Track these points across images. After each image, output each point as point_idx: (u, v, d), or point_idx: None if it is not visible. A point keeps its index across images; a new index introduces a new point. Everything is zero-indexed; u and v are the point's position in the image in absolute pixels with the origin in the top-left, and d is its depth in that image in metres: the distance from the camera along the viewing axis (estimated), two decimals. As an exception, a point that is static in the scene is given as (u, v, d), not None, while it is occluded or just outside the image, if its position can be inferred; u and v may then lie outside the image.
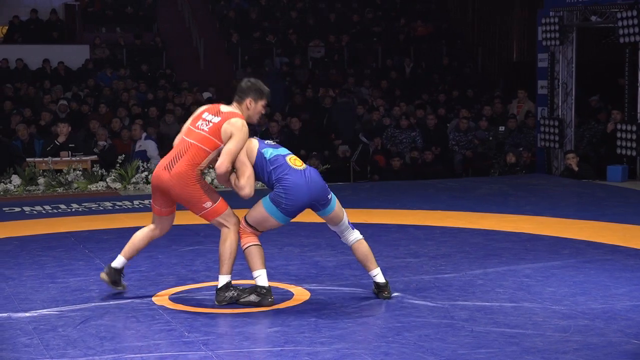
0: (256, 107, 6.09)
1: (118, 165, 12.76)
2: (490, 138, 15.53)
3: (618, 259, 7.50)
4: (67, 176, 12.49)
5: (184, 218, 7.39)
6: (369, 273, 6.26)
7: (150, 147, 13.96)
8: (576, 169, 13.19)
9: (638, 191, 11.94)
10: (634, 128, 12.98)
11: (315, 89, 18.62)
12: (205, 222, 6.22)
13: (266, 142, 6.15)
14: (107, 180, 12.59)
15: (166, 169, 6.02)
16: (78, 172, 12.55)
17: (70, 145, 13.04)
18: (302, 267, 7.32)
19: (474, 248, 8.01)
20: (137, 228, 6.46)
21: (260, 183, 6.20)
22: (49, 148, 13.06)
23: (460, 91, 19.22)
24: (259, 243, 6.04)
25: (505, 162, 14.38)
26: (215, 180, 6.15)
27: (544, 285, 6.62)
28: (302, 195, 5.93)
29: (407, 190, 12.16)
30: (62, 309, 6.05)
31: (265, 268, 6.04)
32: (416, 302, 6.13)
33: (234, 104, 6.11)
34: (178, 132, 6.34)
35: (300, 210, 6.02)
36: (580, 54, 14.73)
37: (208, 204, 6.01)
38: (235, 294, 6.04)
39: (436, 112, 17.12)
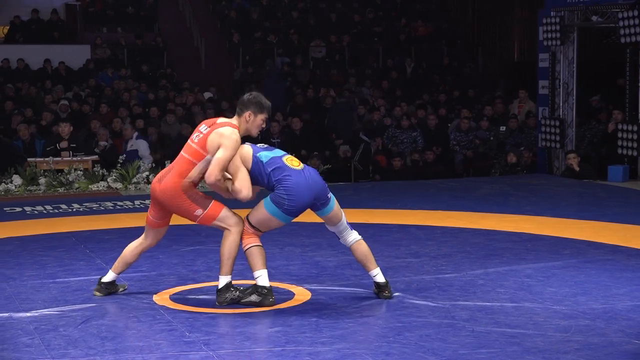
0: (255, 120, 6.09)
1: (119, 165, 12.76)
2: (491, 138, 15.53)
3: (619, 259, 7.50)
4: (68, 176, 12.49)
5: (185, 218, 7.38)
6: (369, 273, 6.26)
7: (142, 146, 13.86)
8: (577, 169, 13.19)
9: (639, 191, 11.94)
10: (635, 128, 12.98)
11: (317, 89, 18.62)
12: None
13: (259, 145, 6.15)
14: (108, 180, 12.60)
15: (159, 182, 6.09)
16: (79, 172, 12.56)
17: (71, 145, 13.05)
18: (303, 267, 7.32)
19: (475, 248, 8.02)
20: (138, 228, 6.47)
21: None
22: (49, 148, 13.05)
23: (461, 91, 19.22)
24: (260, 244, 6.04)
25: (506, 162, 14.39)
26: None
27: (545, 285, 6.62)
28: (304, 194, 5.94)
29: (408, 190, 12.16)
30: (63, 308, 6.06)
31: (266, 268, 6.04)
32: (417, 302, 6.13)
33: (235, 116, 6.13)
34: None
35: (302, 209, 6.02)
36: (581, 54, 14.73)
37: (199, 211, 6.02)
38: (236, 295, 6.05)
39: (437, 112, 17.11)
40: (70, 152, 12.92)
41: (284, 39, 21.22)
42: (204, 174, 6.02)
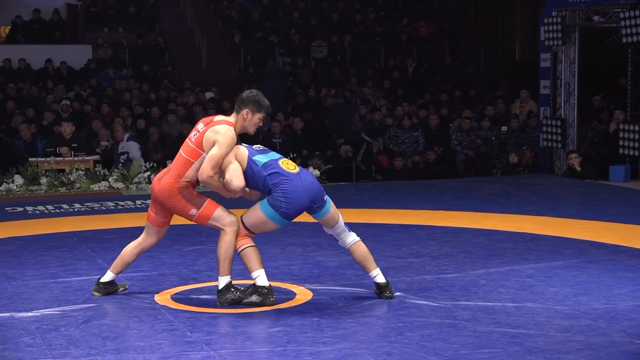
0: (253, 118, 6.06)
1: (120, 165, 12.76)
2: (493, 138, 15.53)
3: (620, 259, 7.50)
4: (69, 176, 12.49)
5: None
6: (369, 274, 6.25)
7: (133, 148, 13.73)
8: (579, 169, 13.18)
9: (640, 191, 11.95)
10: (637, 128, 12.97)
11: (318, 89, 18.62)
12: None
13: (254, 147, 6.12)
14: (110, 180, 12.61)
15: (158, 181, 6.10)
16: (80, 172, 12.56)
17: (73, 145, 13.05)
18: (305, 267, 7.32)
19: (476, 248, 8.01)
20: (140, 228, 6.47)
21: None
22: (49, 150, 13.03)
23: (462, 91, 19.21)
24: (253, 244, 6.03)
25: (507, 162, 14.38)
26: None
27: (547, 285, 6.61)
28: (301, 198, 5.92)
29: (410, 190, 12.16)
30: (65, 308, 6.06)
31: (263, 267, 6.03)
32: (418, 302, 6.13)
33: (233, 113, 6.12)
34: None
35: (299, 212, 6.01)
36: (583, 54, 14.72)
37: (193, 211, 6.02)
38: (237, 295, 6.04)
39: (439, 112, 17.11)
40: (72, 152, 12.92)
41: (285, 39, 21.21)
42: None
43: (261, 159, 5.99)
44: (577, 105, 14.31)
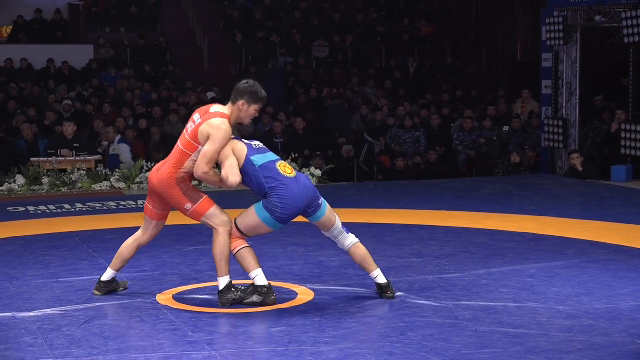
0: (249, 110, 6.02)
1: (122, 164, 12.77)
2: (495, 138, 15.52)
3: (622, 259, 7.49)
4: (71, 176, 12.50)
5: (187, 218, 7.38)
6: (370, 275, 6.24)
7: (124, 150, 13.67)
8: (580, 169, 13.18)
9: (642, 191, 11.94)
10: (639, 128, 12.96)
11: (320, 89, 18.62)
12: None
13: (254, 144, 6.07)
14: (111, 180, 12.61)
15: (156, 172, 6.09)
16: (82, 171, 12.57)
17: (74, 145, 13.05)
18: (306, 267, 7.32)
19: (478, 248, 8.01)
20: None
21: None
22: (50, 151, 13.02)
23: (464, 91, 19.21)
24: (247, 245, 6.02)
25: (509, 162, 14.38)
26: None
27: (548, 285, 6.61)
28: (297, 202, 5.91)
29: (411, 190, 12.16)
30: (67, 308, 6.06)
31: (261, 267, 6.03)
32: (420, 302, 6.13)
33: (229, 103, 6.08)
34: (182, 132, 6.33)
35: (294, 217, 6.00)
36: (585, 54, 14.71)
37: (188, 205, 6.01)
38: (238, 295, 6.04)
39: (440, 112, 17.10)
40: (74, 152, 12.92)
41: (287, 39, 21.22)
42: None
43: (259, 159, 5.96)
44: (579, 105, 14.31)
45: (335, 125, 16.60)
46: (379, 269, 6.22)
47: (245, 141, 6.06)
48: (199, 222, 6.13)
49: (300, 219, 6.16)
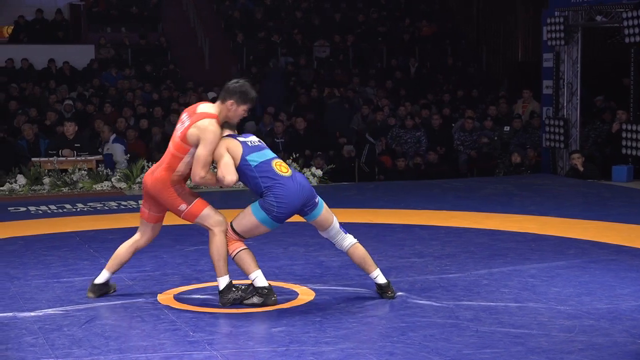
0: (237, 110, 5.99)
1: (116, 164, 12.77)
2: (495, 138, 15.53)
3: (623, 259, 7.49)
4: (72, 176, 12.50)
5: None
6: (370, 275, 6.23)
7: (118, 150, 13.61)
8: (581, 169, 13.17)
9: (643, 191, 11.94)
10: (639, 128, 12.96)
11: (321, 89, 18.62)
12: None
13: (249, 141, 6.03)
14: (112, 179, 12.61)
15: (151, 174, 6.09)
16: (83, 171, 12.57)
17: (75, 145, 13.05)
18: (307, 266, 7.32)
19: (479, 248, 8.01)
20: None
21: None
22: (51, 152, 13.01)
23: (465, 91, 19.21)
24: (245, 247, 6.01)
25: (510, 162, 14.38)
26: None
27: (549, 285, 6.61)
28: (293, 201, 5.90)
29: (412, 190, 12.16)
30: (68, 308, 6.06)
31: (259, 268, 6.02)
32: (421, 302, 6.13)
33: (218, 102, 6.06)
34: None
35: (290, 215, 5.99)
36: (586, 54, 14.71)
37: (182, 206, 6.01)
38: (239, 295, 6.03)
39: (441, 112, 17.11)
40: (75, 152, 12.92)
41: (287, 39, 21.22)
42: (190, 167, 6.01)
43: (255, 158, 5.94)
44: (580, 105, 14.31)
45: (334, 124, 16.60)
46: (378, 269, 6.21)
47: (240, 139, 6.02)
48: (193, 223, 6.13)
49: (300, 218, 6.16)
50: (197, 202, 6.02)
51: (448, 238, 8.51)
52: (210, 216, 6.00)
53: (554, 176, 13.94)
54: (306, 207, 5.99)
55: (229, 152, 5.92)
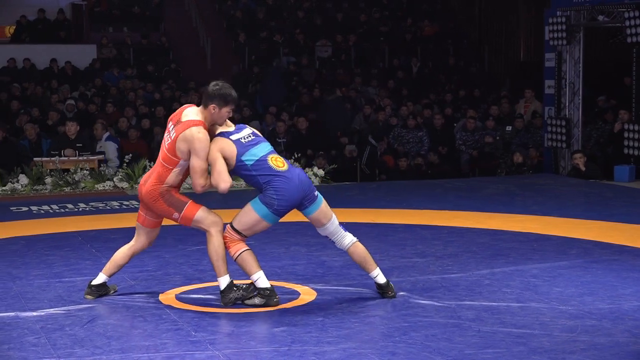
0: (220, 112, 5.99)
1: (125, 164, 12.77)
2: (497, 138, 15.52)
3: (625, 259, 7.49)
4: (74, 175, 12.50)
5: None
6: (370, 274, 6.22)
7: (110, 148, 13.62)
8: (583, 168, 13.16)
9: (645, 191, 11.93)
10: (642, 128, 12.96)
11: (322, 88, 18.62)
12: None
13: (243, 137, 6.00)
14: (114, 179, 12.61)
15: (144, 184, 6.11)
16: (85, 171, 12.57)
17: (77, 144, 13.06)
18: (309, 266, 7.32)
19: (481, 248, 8.01)
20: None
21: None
22: (53, 152, 13.01)
23: (467, 91, 19.19)
24: (247, 247, 6.01)
25: (512, 162, 14.37)
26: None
27: (551, 285, 6.61)
28: (293, 194, 5.91)
29: (414, 190, 12.15)
30: (70, 308, 6.07)
31: (261, 269, 6.02)
32: (423, 302, 6.13)
33: (201, 107, 6.05)
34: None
35: (290, 209, 5.99)
36: (588, 54, 14.70)
37: (175, 214, 6.04)
38: (240, 294, 6.04)
39: (443, 111, 17.11)
40: (77, 152, 12.92)
41: (289, 39, 21.22)
42: (183, 176, 6.03)
43: (250, 157, 5.92)
44: (582, 105, 14.30)
45: (333, 122, 16.59)
46: (378, 269, 6.21)
47: (234, 137, 5.99)
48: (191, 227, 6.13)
49: (301, 218, 6.15)
50: (189, 206, 6.02)
51: (450, 238, 8.50)
52: (204, 218, 6.01)
53: (555, 176, 13.93)
54: (305, 201, 5.98)
55: (223, 154, 5.91)
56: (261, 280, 5.99)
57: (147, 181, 6.09)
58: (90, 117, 16.20)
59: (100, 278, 6.34)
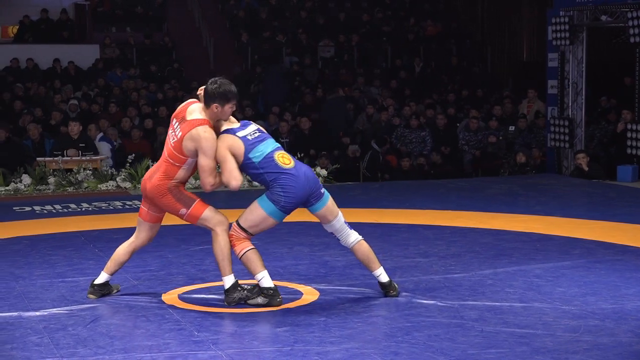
0: (223, 110, 5.98)
1: (128, 164, 12.78)
2: (500, 138, 15.52)
3: (628, 259, 7.48)
4: (77, 175, 12.52)
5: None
6: (373, 273, 6.22)
7: (104, 148, 13.63)
8: (586, 168, 13.16)
9: (648, 191, 11.92)
10: (645, 128, 12.96)
11: (325, 88, 18.62)
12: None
13: (249, 134, 6.00)
14: (117, 179, 12.63)
15: (149, 179, 6.10)
16: (88, 171, 12.58)
17: (80, 144, 13.07)
18: (312, 266, 7.32)
19: (483, 248, 8.00)
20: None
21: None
22: (56, 152, 13.02)
23: (469, 91, 19.20)
24: (253, 246, 6.01)
25: (515, 162, 14.37)
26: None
27: (554, 285, 6.60)
28: (300, 191, 5.91)
29: (417, 190, 12.15)
30: (72, 308, 6.07)
31: (266, 268, 6.02)
32: (426, 302, 6.12)
33: (203, 106, 6.04)
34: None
35: (297, 206, 5.99)
36: (591, 54, 14.70)
37: (182, 210, 6.03)
38: (244, 294, 6.04)
39: (446, 111, 17.11)
40: (80, 152, 12.94)
41: (292, 39, 21.22)
42: (190, 172, 6.03)
43: (257, 154, 5.92)
44: (585, 105, 14.29)
45: (334, 120, 16.59)
46: (381, 268, 6.21)
47: (240, 133, 5.98)
48: (196, 225, 6.13)
49: (306, 218, 6.15)
50: (197, 204, 6.02)
51: (453, 238, 8.50)
52: (211, 217, 6.01)
53: (558, 176, 13.92)
54: (312, 197, 5.98)
55: (231, 151, 5.91)
56: (265, 279, 5.99)
57: (153, 176, 6.07)
58: (93, 117, 16.22)
59: (103, 277, 6.34)
